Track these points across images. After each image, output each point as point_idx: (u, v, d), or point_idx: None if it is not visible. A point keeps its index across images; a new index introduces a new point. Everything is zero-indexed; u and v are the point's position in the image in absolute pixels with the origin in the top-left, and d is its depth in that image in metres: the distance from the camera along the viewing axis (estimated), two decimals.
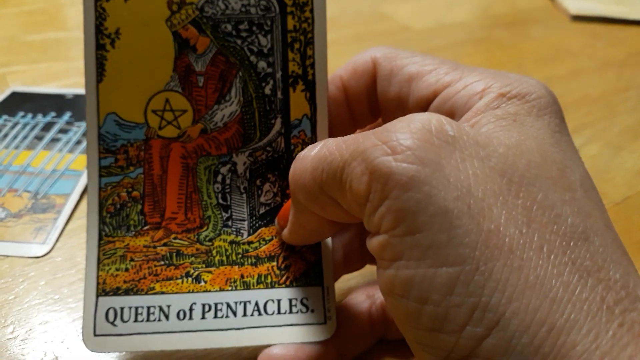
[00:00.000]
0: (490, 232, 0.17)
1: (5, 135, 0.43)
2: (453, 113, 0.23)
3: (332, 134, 0.27)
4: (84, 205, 0.37)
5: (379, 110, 0.27)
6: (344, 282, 0.31)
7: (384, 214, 0.19)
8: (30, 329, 0.29)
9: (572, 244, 0.18)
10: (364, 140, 0.20)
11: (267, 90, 0.26)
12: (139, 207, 0.26)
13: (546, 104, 0.22)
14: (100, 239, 0.25)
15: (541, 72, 0.59)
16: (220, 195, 0.26)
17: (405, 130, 0.19)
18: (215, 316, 0.25)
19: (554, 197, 0.19)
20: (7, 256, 0.33)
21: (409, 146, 0.19)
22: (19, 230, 0.35)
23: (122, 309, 0.25)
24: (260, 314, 0.25)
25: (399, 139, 0.19)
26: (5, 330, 0.29)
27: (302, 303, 0.25)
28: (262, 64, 0.26)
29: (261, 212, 0.26)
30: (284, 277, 0.26)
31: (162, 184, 0.26)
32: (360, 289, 0.28)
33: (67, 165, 0.40)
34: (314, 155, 0.22)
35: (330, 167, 0.21)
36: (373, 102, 0.26)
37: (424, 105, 0.24)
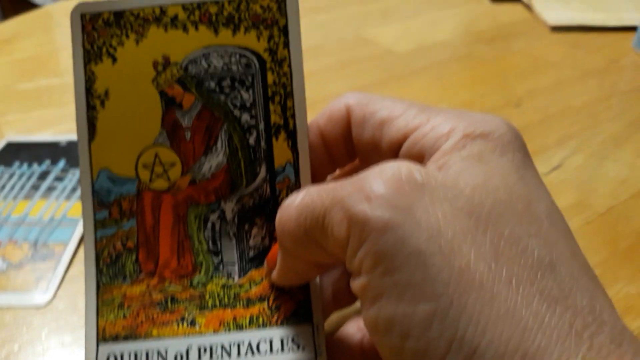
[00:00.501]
0: (461, 269, 0.19)
1: (3, 187, 0.44)
2: (423, 154, 0.24)
3: (314, 176, 0.28)
4: (82, 251, 0.38)
5: (355, 152, 0.28)
6: (334, 313, 0.32)
7: (363, 257, 0.20)
8: None
9: (539, 274, 0.19)
10: (342, 189, 0.21)
11: (252, 141, 0.27)
12: (134, 256, 0.27)
13: (509, 140, 0.23)
14: (98, 288, 0.27)
15: (524, 85, 0.60)
16: (210, 241, 0.27)
17: (377, 179, 0.21)
18: (211, 357, 0.26)
19: (520, 231, 0.20)
20: (11, 307, 0.34)
21: (382, 194, 0.20)
22: (20, 281, 0.36)
23: (122, 354, 0.26)
24: (253, 353, 0.26)
25: (373, 187, 0.20)
26: None
27: (293, 341, 0.27)
28: (245, 116, 0.27)
29: (251, 255, 0.28)
30: (275, 317, 0.27)
31: (154, 233, 0.27)
32: (351, 321, 0.29)
33: (64, 213, 0.41)
34: (298, 204, 0.23)
35: (313, 214, 0.22)
36: (349, 145, 0.28)
37: (396, 147, 0.26)
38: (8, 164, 0.47)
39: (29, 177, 0.45)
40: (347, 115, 0.27)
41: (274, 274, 0.27)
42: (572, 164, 0.47)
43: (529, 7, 0.80)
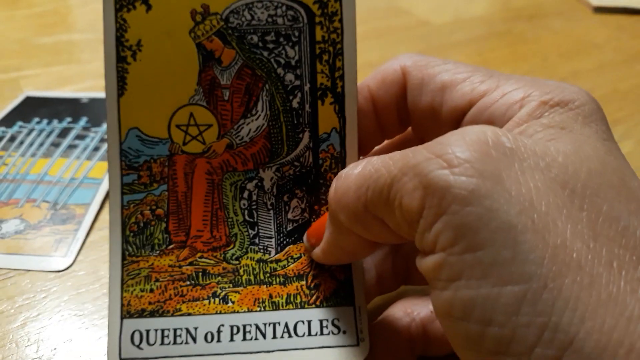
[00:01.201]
0: (556, 247, 0.16)
1: (21, 143, 0.42)
2: (492, 123, 0.22)
3: (360, 145, 0.26)
4: (104, 215, 0.36)
5: (409, 120, 0.26)
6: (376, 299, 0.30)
7: (440, 231, 0.18)
8: (55, 348, 0.28)
9: None
10: (415, 155, 0.19)
11: (295, 104, 0.25)
12: (163, 225, 0.25)
13: (591, 110, 0.21)
14: (123, 258, 0.25)
15: (567, 67, 0.58)
16: (246, 212, 0.25)
17: (460, 143, 0.18)
18: (244, 338, 0.24)
19: (619, 208, 0.18)
20: (28, 270, 0.32)
21: (467, 159, 0.18)
22: (39, 243, 0.34)
23: (147, 331, 0.24)
24: (290, 335, 0.24)
25: (455, 152, 0.18)
26: (30, 350, 0.28)
27: (333, 324, 0.25)
28: (289, 76, 0.25)
29: (289, 229, 0.25)
30: (314, 297, 0.25)
31: (186, 201, 0.25)
32: (396, 305, 0.27)
33: (85, 173, 0.39)
34: (358, 174, 0.21)
35: (377, 184, 0.20)
36: (402, 112, 0.25)
37: (459, 115, 0.23)
38: (27, 119, 0.44)
39: (49, 134, 0.43)
40: (403, 77, 0.25)
41: (318, 250, 0.24)
42: (622, 150, 0.44)
43: None
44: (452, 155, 0.18)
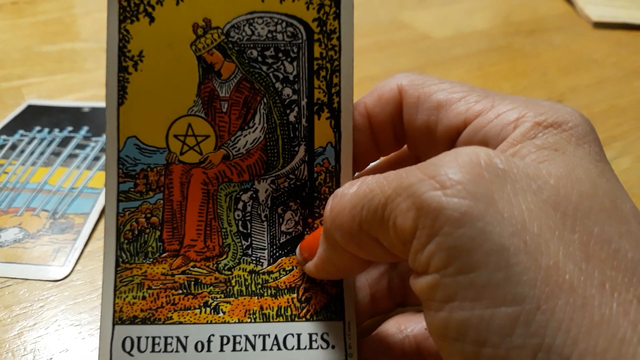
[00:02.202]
0: (549, 268, 0.16)
1: (22, 151, 0.42)
2: (486, 143, 0.22)
3: (355, 162, 0.26)
4: (103, 225, 0.36)
5: (404, 138, 0.26)
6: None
7: (433, 252, 0.18)
8: (51, 358, 0.28)
9: (634, 279, 0.17)
10: (409, 175, 0.19)
11: (292, 117, 0.25)
12: (158, 233, 0.25)
13: (584, 132, 0.21)
14: (117, 265, 0.25)
15: (566, 81, 0.58)
16: (240, 223, 0.25)
17: (453, 164, 0.18)
18: (234, 349, 0.24)
19: (610, 231, 0.18)
20: (26, 279, 0.32)
21: (459, 180, 0.18)
22: (37, 252, 0.34)
23: (139, 338, 0.24)
24: (279, 348, 0.24)
25: (448, 173, 0.18)
26: (26, 359, 0.27)
27: (322, 338, 0.25)
28: (287, 90, 0.25)
29: (282, 241, 0.25)
30: (304, 310, 0.25)
31: (181, 211, 0.25)
32: (390, 321, 0.27)
33: (85, 182, 0.39)
34: (353, 193, 0.21)
35: (371, 204, 0.20)
36: (398, 130, 0.26)
37: (454, 134, 0.23)
38: (28, 128, 0.45)
39: (50, 143, 0.43)
40: (399, 96, 0.25)
41: (311, 265, 0.24)
42: (619, 166, 0.44)
43: (569, 1, 0.76)
44: (445, 176, 0.18)
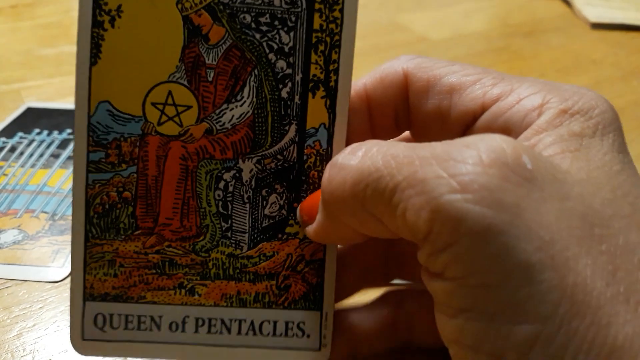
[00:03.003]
0: (575, 286, 0.15)
1: (21, 154, 0.41)
2: (508, 130, 0.20)
3: (348, 144, 0.24)
4: None
5: (408, 123, 0.24)
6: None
7: (449, 261, 0.16)
8: (50, 359, 0.27)
9: None
10: (423, 166, 0.17)
11: (284, 93, 0.23)
12: (130, 209, 0.23)
13: (610, 120, 0.19)
14: (86, 240, 0.23)
15: (564, 82, 0.57)
16: (221, 204, 0.23)
17: (477, 161, 0.16)
18: (209, 331, 0.23)
19: (633, 239, 0.17)
20: (25, 281, 0.32)
21: (485, 184, 0.16)
22: (36, 254, 0.33)
23: (111, 315, 0.23)
24: (255, 333, 0.24)
25: (471, 174, 0.16)
26: None
27: (298, 327, 0.24)
28: (281, 63, 0.23)
29: (264, 225, 0.24)
30: (282, 298, 0.24)
31: (157, 186, 0.23)
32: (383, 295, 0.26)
33: None
34: (356, 168, 0.19)
35: (377, 185, 0.18)
36: (400, 115, 0.24)
37: (469, 119, 0.22)
38: (27, 130, 0.44)
39: (49, 145, 0.42)
40: (404, 80, 0.23)
41: (310, 230, 0.22)
42: None
43: (567, 3, 0.76)
44: (468, 177, 0.16)
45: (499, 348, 0.16)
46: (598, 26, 0.70)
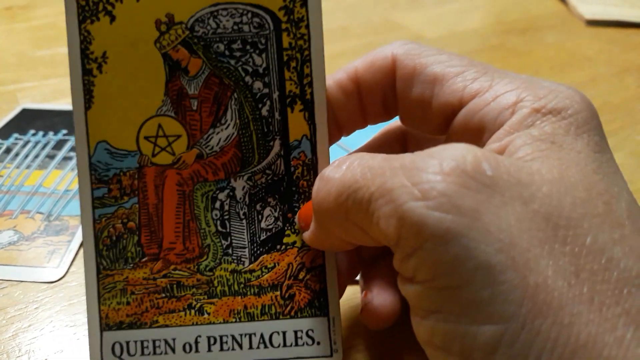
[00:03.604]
0: (537, 286, 0.16)
1: (17, 155, 0.41)
2: (482, 128, 0.21)
3: (340, 128, 0.25)
4: None
5: (395, 109, 0.25)
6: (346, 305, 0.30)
7: (417, 265, 0.17)
8: (46, 359, 0.28)
9: (625, 291, 0.16)
10: (392, 177, 0.18)
11: (264, 112, 0.24)
12: (136, 238, 0.24)
13: (585, 119, 0.19)
14: (98, 272, 0.24)
15: (558, 79, 0.57)
16: (219, 223, 0.24)
17: (437, 171, 0.17)
18: (222, 349, 0.24)
19: (603, 238, 0.17)
20: (21, 281, 0.32)
21: (443, 191, 0.16)
22: (32, 254, 0.33)
23: (127, 343, 0.24)
24: (266, 346, 0.24)
25: (431, 182, 0.17)
26: None
27: (307, 335, 0.24)
28: (257, 84, 0.24)
29: (262, 238, 0.25)
30: (288, 307, 0.24)
31: (158, 214, 0.24)
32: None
33: None
34: (339, 180, 0.20)
35: (356, 196, 0.19)
36: (388, 100, 0.24)
37: (448, 112, 0.22)
38: (22, 131, 0.44)
39: (44, 146, 0.42)
40: (392, 65, 0.23)
41: (306, 236, 0.23)
42: None
43: (562, 0, 0.77)
44: (428, 185, 0.17)
45: (467, 348, 0.16)
46: (593, 23, 0.70)
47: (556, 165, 0.18)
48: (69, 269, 0.33)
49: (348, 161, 0.20)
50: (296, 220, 0.25)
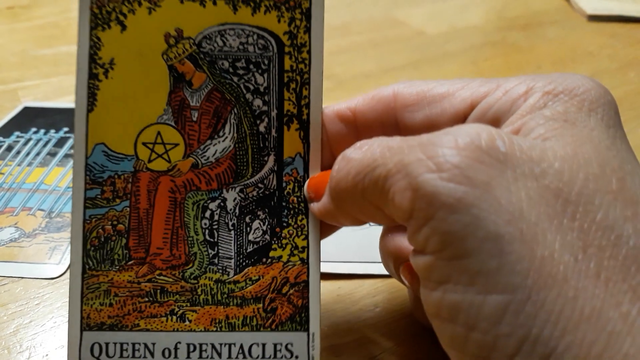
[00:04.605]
0: (543, 259, 0.16)
1: (18, 152, 0.41)
2: (498, 121, 0.21)
3: (334, 152, 0.25)
4: None
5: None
6: (332, 318, 0.30)
7: (428, 235, 0.17)
8: (47, 354, 0.27)
9: (633, 268, 0.16)
10: (409, 152, 0.18)
11: (262, 128, 0.25)
12: (124, 241, 0.24)
13: (597, 96, 0.19)
14: (84, 272, 0.24)
15: None
16: (207, 232, 0.25)
17: (452, 145, 0.17)
18: (201, 356, 0.24)
19: (614, 215, 0.17)
20: (22, 278, 0.32)
21: (457, 164, 0.17)
22: (33, 251, 0.33)
23: (107, 344, 0.24)
24: (245, 356, 0.24)
25: (446, 155, 0.17)
26: (22, 356, 0.27)
27: (286, 349, 0.24)
28: (257, 102, 0.25)
29: (249, 250, 0.25)
30: (270, 321, 0.24)
31: (148, 218, 0.24)
32: None
33: None
34: (359, 160, 0.20)
35: (373, 174, 0.19)
36: (387, 131, 0.24)
37: (460, 120, 0.22)
38: (24, 129, 0.43)
39: (45, 144, 0.42)
40: (393, 97, 0.24)
41: (315, 208, 0.23)
42: None
43: None
44: (443, 158, 0.17)
45: (472, 318, 0.16)
46: (595, 18, 0.70)
47: (570, 142, 0.18)
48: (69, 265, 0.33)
49: (369, 143, 0.20)
50: (305, 190, 0.25)
